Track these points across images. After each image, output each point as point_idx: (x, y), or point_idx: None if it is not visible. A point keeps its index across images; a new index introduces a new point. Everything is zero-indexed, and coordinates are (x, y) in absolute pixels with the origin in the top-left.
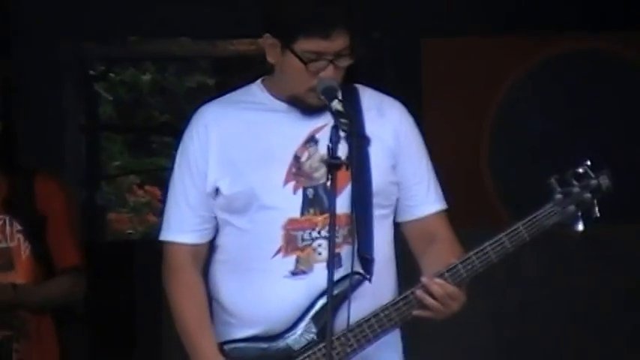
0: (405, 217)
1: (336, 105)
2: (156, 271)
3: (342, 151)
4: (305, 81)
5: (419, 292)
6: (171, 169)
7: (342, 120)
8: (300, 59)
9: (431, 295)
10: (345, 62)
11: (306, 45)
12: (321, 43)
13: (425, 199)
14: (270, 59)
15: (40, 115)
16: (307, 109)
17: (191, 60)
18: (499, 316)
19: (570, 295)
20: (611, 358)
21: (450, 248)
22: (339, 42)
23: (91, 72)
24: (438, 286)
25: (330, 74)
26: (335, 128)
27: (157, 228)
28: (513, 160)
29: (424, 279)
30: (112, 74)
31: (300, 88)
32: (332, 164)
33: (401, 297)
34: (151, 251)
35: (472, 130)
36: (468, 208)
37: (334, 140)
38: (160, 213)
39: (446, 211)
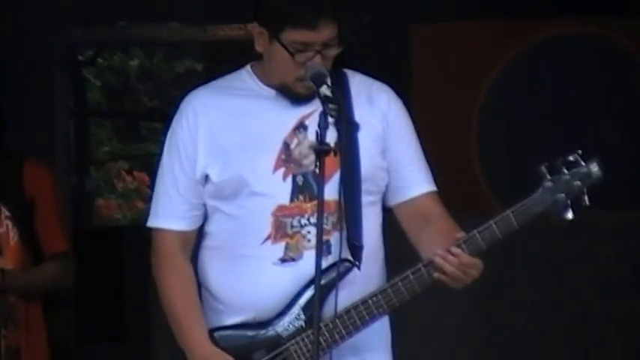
0: (397, 199)
1: (325, 90)
2: (144, 258)
3: (331, 137)
4: (292, 71)
5: (438, 258)
6: (160, 155)
7: (331, 106)
8: (287, 50)
9: (449, 262)
10: (332, 52)
11: (293, 36)
12: (308, 34)
13: (416, 179)
14: (259, 48)
15: (29, 101)
16: (296, 97)
17: (180, 45)
18: (486, 305)
19: (558, 283)
20: (601, 346)
21: (446, 224)
22: (325, 32)
23: (80, 57)
24: (453, 255)
25: (318, 64)
26: (323, 114)
27: (146, 214)
28: (502, 146)
29: (439, 251)
30: (100, 59)
31: (288, 78)
32: (320, 150)
33: (389, 284)
34: (139, 237)
35: (461, 116)
36: (456, 194)
37: (323, 126)
38: (149, 199)
39: (438, 192)
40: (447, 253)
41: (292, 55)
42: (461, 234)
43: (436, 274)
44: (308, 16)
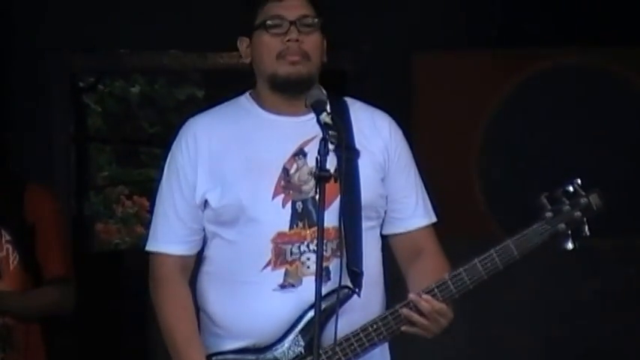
0: (392, 230)
1: (325, 117)
2: (143, 282)
3: (331, 163)
4: (272, 49)
5: (406, 311)
6: (159, 180)
7: (331, 132)
8: (264, 26)
9: (418, 312)
10: (309, 35)
11: (265, 12)
12: (276, 7)
13: (413, 212)
14: (246, 59)
15: (29, 126)
16: (286, 85)
17: (181, 72)
18: (484, 326)
19: (554, 297)
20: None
21: (435, 262)
22: (295, 8)
23: (80, 84)
24: (425, 302)
25: (293, 36)
26: (323, 140)
27: (145, 239)
28: (503, 173)
29: (412, 296)
30: (101, 86)
31: (271, 62)
32: (320, 176)
33: (390, 312)
34: (138, 262)
35: (462, 143)
36: (457, 220)
37: (323, 152)
38: (148, 224)
39: (435, 224)
40: (419, 298)
41: (267, 29)
42: (445, 276)
43: (403, 328)
44: None
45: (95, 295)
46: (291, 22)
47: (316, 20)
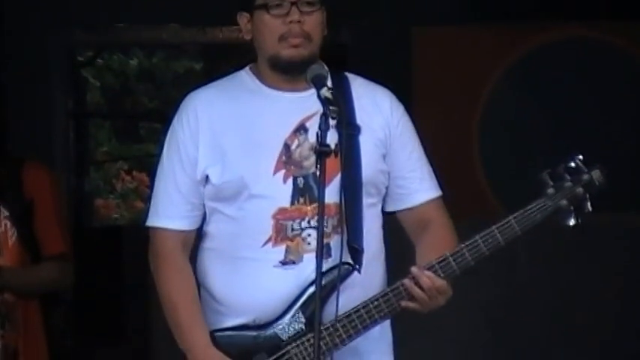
0: (399, 205)
1: (325, 92)
2: (143, 258)
3: (332, 139)
4: (273, 31)
5: (407, 282)
6: (159, 155)
7: (332, 107)
8: (264, 8)
9: (419, 286)
10: (311, 15)
11: None
12: None
13: (418, 187)
14: (247, 36)
15: (28, 102)
16: (287, 67)
17: (179, 46)
18: (488, 305)
19: (558, 284)
20: (600, 347)
21: (442, 235)
22: None
23: (79, 58)
24: (426, 277)
25: (295, 18)
26: (324, 116)
27: (145, 214)
28: (504, 148)
29: (414, 269)
30: (99, 60)
31: (272, 43)
32: (321, 152)
33: (390, 288)
34: (138, 237)
35: (463, 119)
36: (458, 196)
37: (323, 128)
38: (148, 199)
39: (441, 197)
40: (421, 273)
41: (268, 10)
42: (446, 252)
43: (402, 303)
44: None
45: (95, 271)
46: (292, 3)
47: (318, 1)
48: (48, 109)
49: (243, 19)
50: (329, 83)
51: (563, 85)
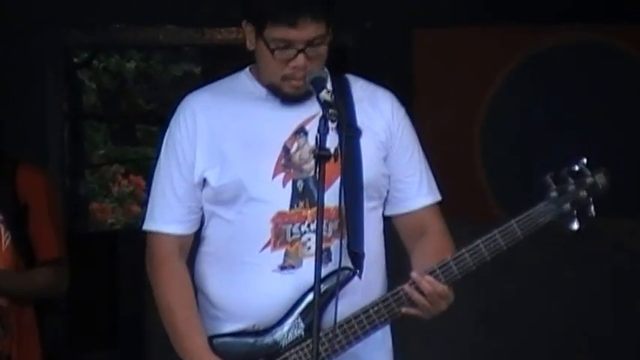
0: (396, 210)
1: (325, 95)
2: (139, 263)
3: (332, 142)
4: (277, 69)
5: (408, 288)
6: (156, 158)
7: (331, 110)
8: (268, 47)
9: (420, 291)
10: (317, 52)
11: (274, 32)
12: (289, 32)
13: (417, 192)
14: (249, 46)
15: (23, 103)
16: (285, 97)
17: (177, 48)
18: (488, 310)
19: (556, 287)
20: (600, 349)
21: (439, 242)
22: (308, 31)
23: (75, 59)
24: (427, 283)
25: (300, 64)
26: (323, 119)
27: (141, 218)
28: (506, 151)
29: (414, 275)
30: (95, 62)
31: (274, 77)
32: (320, 156)
33: (391, 293)
34: (134, 242)
35: (465, 122)
36: (459, 199)
37: (322, 131)
38: (145, 203)
39: (439, 203)
40: (422, 278)
41: (272, 52)
42: (447, 257)
43: (403, 309)
44: (287, 13)
45: (90, 276)
46: (300, 50)
47: (326, 37)
48: (43, 111)
49: (248, 28)
50: (329, 86)
51: (565, 87)
